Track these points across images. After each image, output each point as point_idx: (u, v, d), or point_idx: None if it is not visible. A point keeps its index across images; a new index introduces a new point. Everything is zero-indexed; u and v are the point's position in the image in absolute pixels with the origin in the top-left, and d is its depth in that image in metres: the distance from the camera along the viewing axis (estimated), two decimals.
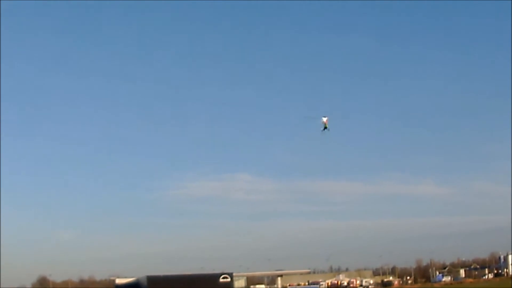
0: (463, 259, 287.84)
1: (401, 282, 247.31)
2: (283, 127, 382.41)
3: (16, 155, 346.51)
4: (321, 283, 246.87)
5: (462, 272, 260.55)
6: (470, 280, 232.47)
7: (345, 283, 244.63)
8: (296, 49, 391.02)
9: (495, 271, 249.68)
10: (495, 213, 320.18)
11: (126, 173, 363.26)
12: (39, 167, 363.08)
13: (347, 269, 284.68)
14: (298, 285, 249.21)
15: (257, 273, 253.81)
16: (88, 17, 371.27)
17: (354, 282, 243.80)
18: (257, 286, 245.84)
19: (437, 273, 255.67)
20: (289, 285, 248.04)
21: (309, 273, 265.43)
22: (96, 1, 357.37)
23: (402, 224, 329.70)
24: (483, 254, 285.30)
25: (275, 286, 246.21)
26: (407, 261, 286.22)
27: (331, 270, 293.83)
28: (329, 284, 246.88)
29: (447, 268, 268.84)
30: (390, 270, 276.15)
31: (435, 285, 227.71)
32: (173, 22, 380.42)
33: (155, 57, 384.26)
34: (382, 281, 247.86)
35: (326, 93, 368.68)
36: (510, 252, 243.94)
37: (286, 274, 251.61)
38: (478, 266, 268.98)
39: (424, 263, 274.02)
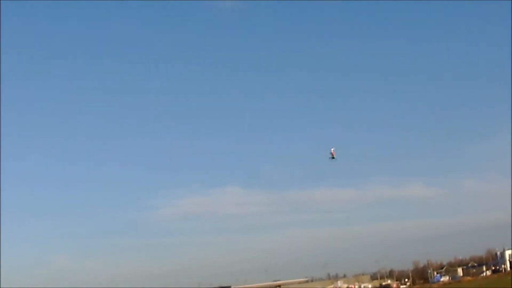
0: (460, 257, 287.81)
1: (399, 284, 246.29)
2: (270, 137, 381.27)
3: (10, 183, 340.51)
4: None
5: (459, 271, 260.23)
6: (468, 278, 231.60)
7: None
8: (286, 58, 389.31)
9: (493, 268, 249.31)
10: (487, 211, 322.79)
11: (115, 195, 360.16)
12: (29, 191, 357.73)
13: (344, 275, 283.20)
14: None
15: (255, 285, 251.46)
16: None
17: None
18: None
19: (435, 273, 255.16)
20: None
21: (307, 281, 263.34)
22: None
23: (396, 227, 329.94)
24: (479, 251, 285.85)
25: None
26: (404, 264, 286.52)
27: (329, 277, 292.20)
28: None
29: (444, 268, 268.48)
30: (387, 273, 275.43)
31: (434, 285, 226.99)
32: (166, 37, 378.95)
33: (143, 70, 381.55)
34: (381, 285, 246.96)
35: (313, 99, 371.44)
36: (507, 248, 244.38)
37: (284, 284, 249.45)
38: (475, 264, 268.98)
39: (421, 264, 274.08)
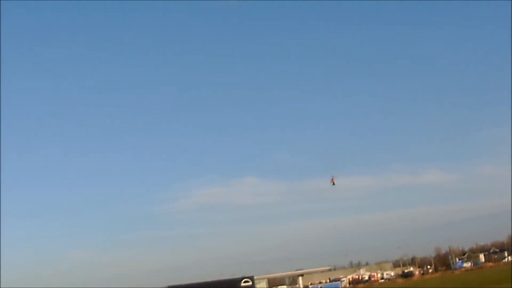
0: (482, 243, 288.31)
1: (421, 272, 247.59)
2: (287, 127, 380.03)
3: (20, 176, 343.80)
4: (343, 279, 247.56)
5: (481, 256, 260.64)
6: (491, 264, 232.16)
7: (366, 277, 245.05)
8: (301, 47, 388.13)
9: None
10: (506, 195, 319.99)
11: (133, 188, 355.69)
12: (45, 186, 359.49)
13: (367, 263, 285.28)
14: (320, 283, 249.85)
15: (278, 275, 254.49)
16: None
17: (375, 276, 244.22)
18: (279, 287, 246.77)
19: (457, 259, 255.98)
20: (311, 284, 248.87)
21: (329, 270, 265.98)
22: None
23: (416, 214, 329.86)
24: (501, 237, 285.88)
25: (297, 286, 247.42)
26: (426, 250, 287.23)
27: (351, 265, 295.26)
28: (351, 279, 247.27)
29: (466, 254, 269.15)
30: (410, 260, 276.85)
31: (456, 272, 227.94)
32: (176, 27, 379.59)
33: (154, 60, 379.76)
34: (403, 272, 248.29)
35: (329, 86, 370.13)
36: None
37: (307, 273, 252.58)
38: (497, 250, 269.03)
39: (443, 251, 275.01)
